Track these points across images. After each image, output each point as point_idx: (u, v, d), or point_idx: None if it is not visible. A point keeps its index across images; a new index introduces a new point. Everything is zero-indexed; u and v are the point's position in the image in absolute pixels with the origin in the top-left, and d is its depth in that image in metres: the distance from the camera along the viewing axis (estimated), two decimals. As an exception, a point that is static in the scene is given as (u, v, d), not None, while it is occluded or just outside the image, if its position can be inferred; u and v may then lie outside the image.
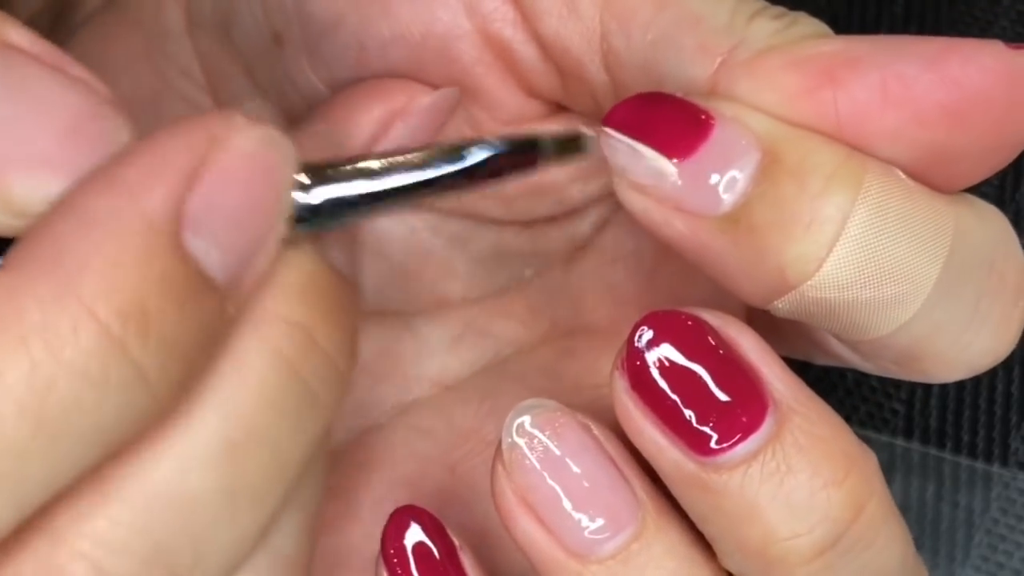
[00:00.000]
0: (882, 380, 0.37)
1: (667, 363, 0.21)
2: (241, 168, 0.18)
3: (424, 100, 0.25)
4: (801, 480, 0.21)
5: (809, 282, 0.21)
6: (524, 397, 0.23)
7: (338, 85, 0.25)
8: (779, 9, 0.23)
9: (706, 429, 0.21)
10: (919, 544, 0.37)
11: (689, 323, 0.21)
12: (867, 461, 0.22)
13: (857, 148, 0.21)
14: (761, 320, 0.24)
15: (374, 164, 0.20)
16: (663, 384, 0.21)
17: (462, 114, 0.25)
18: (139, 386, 0.17)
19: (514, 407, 0.23)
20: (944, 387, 0.37)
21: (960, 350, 0.22)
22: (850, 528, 0.21)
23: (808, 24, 0.22)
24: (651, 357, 0.21)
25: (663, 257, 0.26)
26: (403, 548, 0.24)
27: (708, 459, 0.21)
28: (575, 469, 0.22)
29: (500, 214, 0.27)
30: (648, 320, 0.21)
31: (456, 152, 0.20)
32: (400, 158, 0.20)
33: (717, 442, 0.21)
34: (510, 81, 0.25)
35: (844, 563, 0.21)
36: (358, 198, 0.20)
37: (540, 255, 0.27)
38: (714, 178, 0.21)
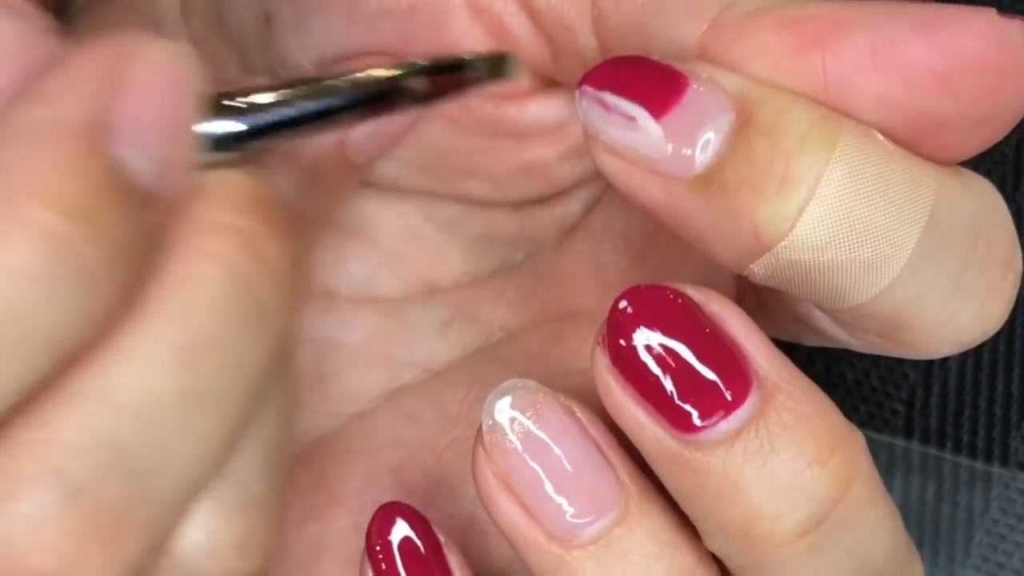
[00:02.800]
0: (882, 380, 0.37)
1: (648, 339, 0.21)
2: (154, 79, 0.18)
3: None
4: (784, 459, 0.21)
5: (783, 242, 0.20)
6: None
7: (327, 63, 0.25)
8: None
9: (688, 406, 0.21)
10: (919, 544, 0.37)
11: (671, 298, 0.21)
12: (854, 440, 0.22)
13: (845, 113, 0.21)
14: (749, 300, 0.24)
15: (289, 90, 0.20)
16: (645, 360, 0.21)
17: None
18: (88, 286, 0.17)
19: (495, 388, 0.22)
20: (944, 387, 0.37)
21: (945, 321, 0.22)
22: (835, 508, 0.21)
23: None
24: (632, 333, 0.21)
25: (652, 239, 0.26)
26: (389, 544, 0.23)
27: (690, 437, 0.21)
28: (557, 451, 0.22)
29: (490, 195, 0.26)
30: (629, 295, 0.21)
31: (380, 76, 0.20)
32: (321, 83, 0.20)
33: (699, 419, 0.21)
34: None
35: (831, 543, 0.21)
36: (274, 122, 0.20)
37: (530, 239, 0.27)
38: (688, 138, 0.20)
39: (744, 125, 0.20)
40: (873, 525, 0.22)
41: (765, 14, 0.21)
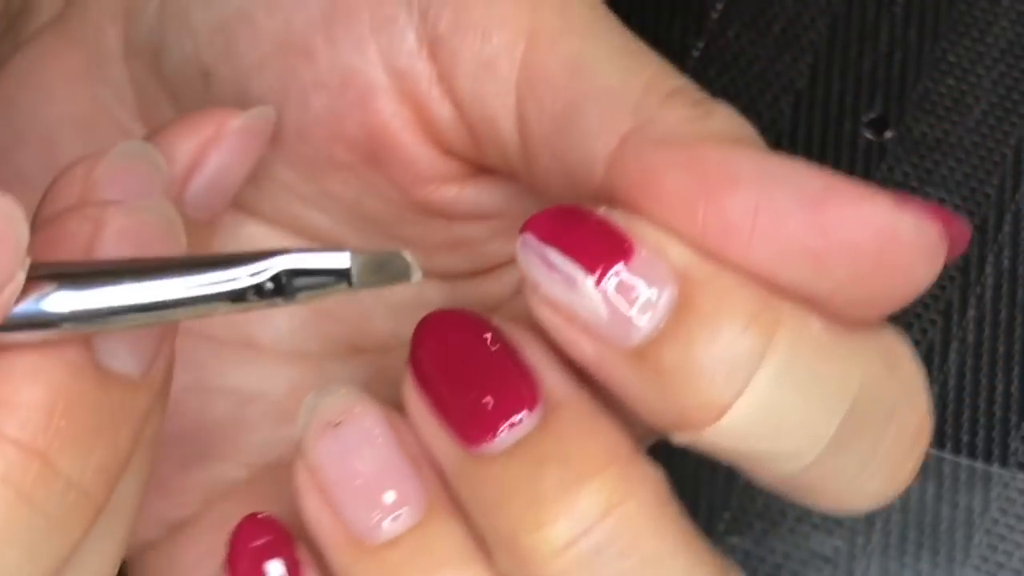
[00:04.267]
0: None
1: (441, 354, 0.22)
2: None
3: (234, 123, 0.25)
4: (553, 470, 0.21)
5: (708, 428, 0.20)
6: None
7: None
8: (698, 95, 0.22)
9: (474, 418, 0.21)
10: (919, 544, 0.37)
11: (466, 318, 0.22)
12: (633, 465, 0.21)
13: (724, 261, 0.20)
14: None
15: (128, 270, 0.19)
16: (437, 374, 0.22)
17: (380, 172, 0.25)
18: None
19: (315, 389, 0.23)
20: (944, 387, 0.37)
21: (854, 492, 0.22)
22: (597, 525, 0.21)
23: (722, 119, 0.22)
24: (426, 350, 0.22)
25: None
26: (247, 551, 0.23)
27: (473, 448, 0.21)
28: (366, 455, 0.22)
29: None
30: (432, 316, 0.22)
31: (238, 262, 0.19)
32: (169, 263, 0.19)
33: (481, 431, 0.21)
34: (426, 138, 0.25)
35: (600, 564, 0.21)
36: (104, 309, 0.19)
37: None
38: (627, 309, 0.20)
39: (684, 307, 0.20)
40: (654, 558, 0.21)
41: (668, 148, 0.21)
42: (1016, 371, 0.37)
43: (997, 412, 0.37)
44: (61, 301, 0.19)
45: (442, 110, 0.24)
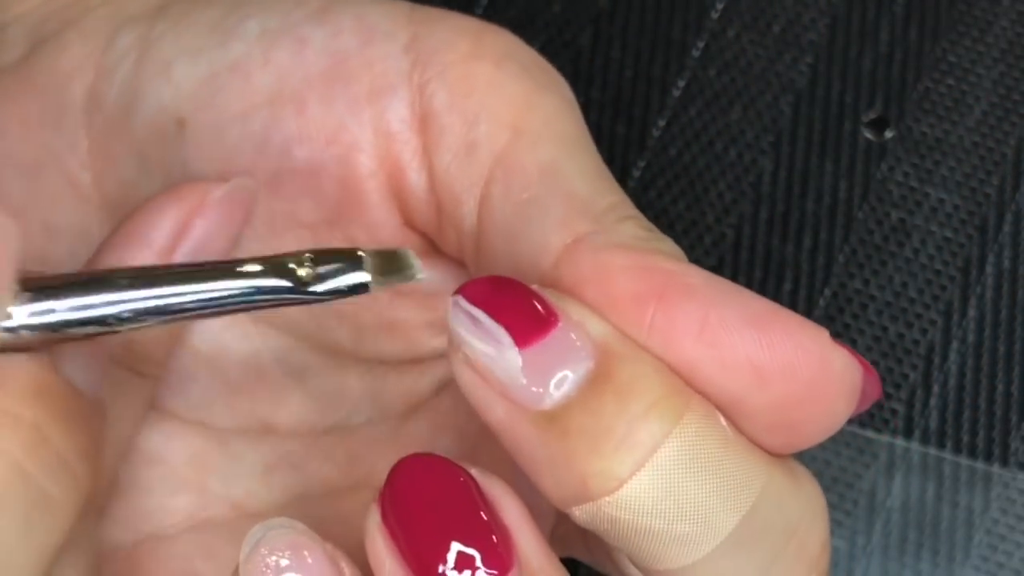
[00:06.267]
0: (882, 380, 0.37)
1: (415, 507, 0.21)
2: None
3: (216, 193, 0.25)
4: None
5: (607, 498, 0.21)
6: None
7: (229, 176, 0.26)
8: (651, 225, 0.23)
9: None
10: (919, 544, 0.37)
11: (444, 469, 0.21)
12: None
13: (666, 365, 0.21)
14: (569, 525, 0.24)
15: (118, 279, 0.20)
16: (410, 526, 0.21)
17: (339, 232, 0.26)
18: None
19: (264, 521, 0.22)
20: (944, 387, 0.37)
21: None
22: None
23: (668, 245, 0.23)
24: (400, 499, 0.21)
25: (487, 439, 0.26)
26: None
27: None
28: None
29: (349, 347, 0.27)
30: (407, 460, 0.22)
31: (230, 269, 0.20)
32: (159, 271, 0.20)
33: None
34: (395, 205, 0.25)
35: None
36: (85, 316, 0.20)
37: (376, 405, 0.27)
38: (543, 375, 0.21)
39: (599, 377, 0.21)
40: None
41: (624, 251, 0.22)
42: (1016, 371, 0.37)
43: (997, 412, 0.37)
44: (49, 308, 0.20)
45: (419, 181, 0.25)
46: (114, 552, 0.26)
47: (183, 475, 0.27)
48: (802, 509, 0.22)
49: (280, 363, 0.27)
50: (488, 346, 0.21)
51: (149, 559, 0.26)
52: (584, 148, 0.25)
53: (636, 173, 0.39)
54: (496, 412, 0.22)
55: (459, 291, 0.22)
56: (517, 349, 0.21)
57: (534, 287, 0.22)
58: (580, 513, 0.21)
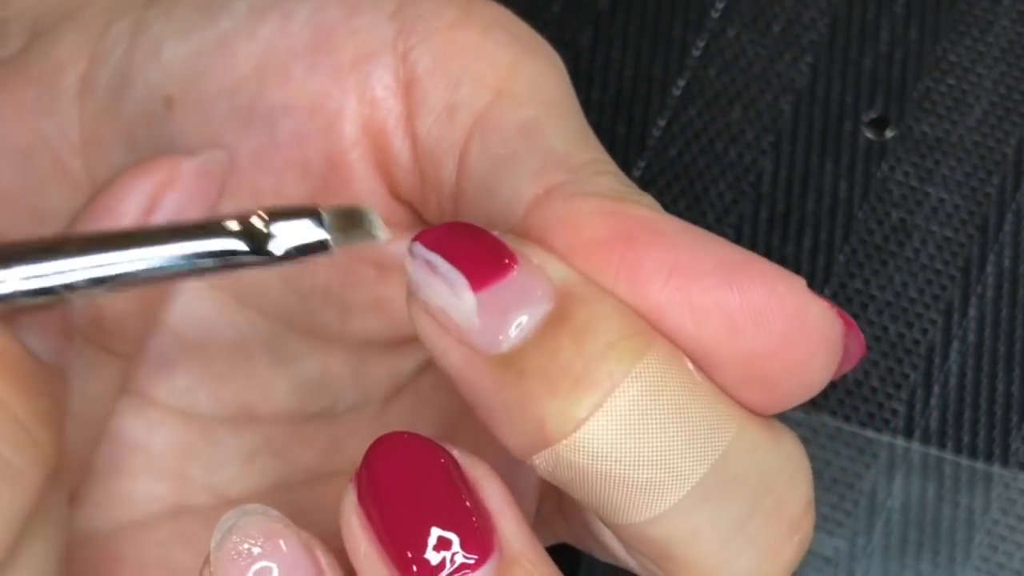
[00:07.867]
0: (882, 380, 0.37)
1: (392, 488, 0.21)
2: None
3: (187, 166, 0.25)
4: None
5: (565, 441, 0.20)
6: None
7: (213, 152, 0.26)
8: (630, 182, 0.23)
9: (421, 560, 0.20)
10: (919, 544, 0.37)
11: (423, 449, 0.21)
12: None
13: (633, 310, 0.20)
14: (549, 501, 0.24)
15: (75, 242, 0.20)
16: (387, 507, 0.21)
17: (327, 202, 0.25)
18: None
19: (237, 507, 0.22)
20: (944, 387, 0.37)
21: (718, 564, 0.21)
22: None
23: (647, 199, 0.22)
24: (377, 479, 0.21)
25: (467, 417, 0.25)
26: None
27: None
28: None
29: (336, 327, 0.26)
30: (385, 438, 0.21)
31: (202, 228, 0.20)
32: (120, 237, 0.20)
33: (428, 570, 0.20)
34: (380, 175, 0.25)
35: None
36: (53, 283, 0.20)
37: (359, 390, 0.27)
38: (501, 319, 0.20)
39: (557, 318, 0.20)
40: None
41: (596, 198, 0.21)
42: (1017, 371, 0.37)
43: (998, 412, 0.37)
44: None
45: (402, 149, 0.25)
46: (91, 538, 0.26)
47: (164, 463, 0.27)
48: (781, 465, 0.22)
49: (266, 350, 0.27)
50: (444, 290, 0.21)
51: (127, 546, 0.26)
52: (568, 109, 0.24)
53: (636, 173, 0.39)
54: (454, 358, 0.21)
55: (416, 237, 0.21)
56: (472, 292, 0.20)
57: (494, 232, 0.21)
58: (540, 461, 0.21)
